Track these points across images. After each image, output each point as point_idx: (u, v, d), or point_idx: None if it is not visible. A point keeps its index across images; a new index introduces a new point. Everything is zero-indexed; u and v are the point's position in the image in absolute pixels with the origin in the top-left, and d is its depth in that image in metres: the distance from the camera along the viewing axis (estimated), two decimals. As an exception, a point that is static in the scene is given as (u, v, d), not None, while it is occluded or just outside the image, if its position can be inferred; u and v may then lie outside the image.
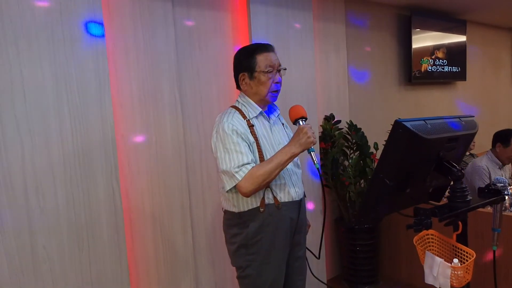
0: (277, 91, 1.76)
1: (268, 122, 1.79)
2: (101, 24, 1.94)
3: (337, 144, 3.12)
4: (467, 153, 4.12)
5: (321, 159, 3.10)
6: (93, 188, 1.93)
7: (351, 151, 3.23)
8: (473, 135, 1.44)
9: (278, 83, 1.74)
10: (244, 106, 1.76)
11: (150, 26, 2.20)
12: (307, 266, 1.93)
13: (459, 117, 1.41)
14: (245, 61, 1.73)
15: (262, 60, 1.71)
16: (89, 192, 1.92)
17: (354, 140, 3.20)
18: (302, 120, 1.70)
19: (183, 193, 2.34)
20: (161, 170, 2.26)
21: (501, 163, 3.27)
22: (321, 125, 3.17)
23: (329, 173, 3.10)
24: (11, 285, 1.72)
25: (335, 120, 3.21)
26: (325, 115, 3.23)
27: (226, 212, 1.80)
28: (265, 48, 1.74)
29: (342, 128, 3.22)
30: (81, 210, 1.90)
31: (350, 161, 3.16)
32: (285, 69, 1.80)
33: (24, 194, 1.74)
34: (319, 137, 3.11)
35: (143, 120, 2.20)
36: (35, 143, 1.77)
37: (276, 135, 1.79)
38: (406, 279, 3.11)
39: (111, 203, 1.99)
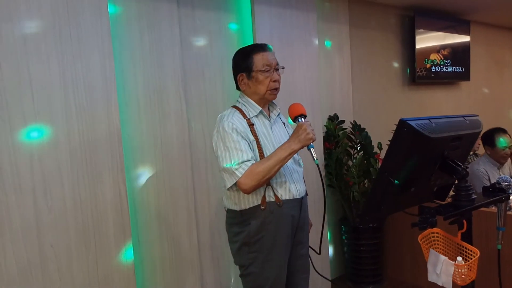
0: (276, 89, 1.78)
1: (269, 121, 1.81)
2: (107, 23, 1.96)
3: (341, 144, 3.13)
4: (471, 153, 4.11)
5: (325, 159, 3.11)
6: (99, 188, 1.95)
7: (355, 151, 3.24)
8: (478, 134, 1.45)
9: (276, 81, 1.77)
10: (244, 105, 1.79)
11: (156, 26, 2.21)
12: (311, 264, 1.93)
13: (463, 116, 1.41)
14: (243, 61, 1.76)
15: (259, 59, 1.74)
16: (96, 191, 1.94)
17: (358, 140, 3.21)
18: (301, 118, 1.72)
19: (188, 192, 2.35)
20: (166, 169, 2.27)
21: (498, 164, 3.26)
22: (325, 125, 3.18)
23: (333, 173, 3.10)
24: (19, 284, 1.73)
25: (339, 120, 3.22)
26: (329, 115, 3.24)
27: (228, 210, 1.82)
28: (262, 48, 1.77)
29: (346, 128, 3.23)
30: (88, 210, 1.92)
31: (354, 161, 3.16)
32: (283, 67, 1.82)
33: (32, 193, 1.76)
34: (323, 137, 3.12)
35: (148, 120, 2.21)
36: (43, 143, 1.79)
37: (276, 134, 1.81)
38: (410, 279, 3.11)
39: (118, 202, 2.01)
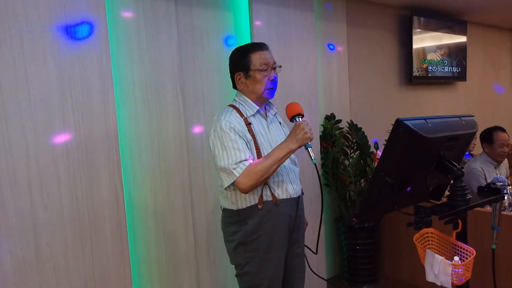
0: (273, 88, 1.78)
1: (266, 120, 1.82)
2: (105, 22, 1.95)
3: (337, 144, 3.13)
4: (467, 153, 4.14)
5: (321, 158, 3.11)
6: (96, 186, 1.95)
7: (352, 150, 3.25)
8: (473, 134, 1.45)
9: (274, 80, 1.77)
10: (242, 104, 1.79)
11: (153, 25, 2.21)
12: (306, 263, 1.94)
13: (459, 117, 1.42)
14: (240, 60, 1.76)
15: (256, 58, 1.74)
16: (92, 190, 1.94)
17: (354, 140, 3.22)
18: (299, 117, 1.72)
19: (185, 191, 2.35)
20: (163, 168, 2.27)
21: (495, 163, 3.29)
22: (321, 125, 3.19)
23: (330, 172, 3.11)
24: (15, 283, 1.73)
25: (336, 119, 3.23)
26: (326, 115, 3.25)
27: (224, 210, 1.82)
28: (259, 46, 1.78)
29: (343, 128, 3.24)
30: (85, 208, 1.92)
31: (350, 160, 3.17)
32: (280, 66, 1.82)
33: (29, 191, 1.76)
34: (320, 136, 3.13)
35: (145, 118, 2.21)
36: (39, 141, 1.78)
37: (273, 133, 1.81)
38: (406, 278, 3.12)
39: (114, 201, 2.01)
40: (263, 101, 1.82)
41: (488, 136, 3.27)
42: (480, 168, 3.21)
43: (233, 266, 1.82)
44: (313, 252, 1.87)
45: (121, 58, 2.13)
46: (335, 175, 3.12)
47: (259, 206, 1.70)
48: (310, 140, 1.66)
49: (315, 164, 1.66)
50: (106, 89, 1.97)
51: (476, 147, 3.99)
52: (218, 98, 2.55)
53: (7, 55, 1.70)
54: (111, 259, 2.00)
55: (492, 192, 1.42)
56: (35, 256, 1.78)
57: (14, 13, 1.71)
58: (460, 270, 1.24)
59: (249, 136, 1.70)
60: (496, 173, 3.31)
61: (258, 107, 1.78)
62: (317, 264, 3.03)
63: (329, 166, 3.10)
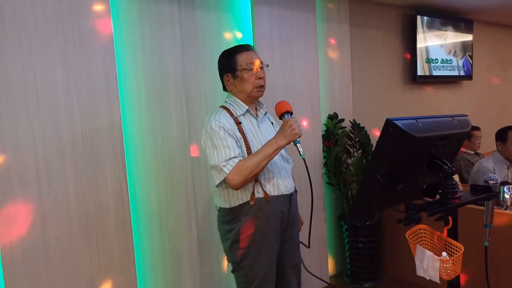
0: (262, 87, 1.83)
1: (256, 119, 1.86)
2: (109, 25, 2.02)
3: (340, 143, 3.17)
4: (473, 152, 4.13)
5: (324, 157, 3.15)
6: (101, 183, 2.02)
7: (354, 149, 3.28)
8: (466, 133, 1.48)
9: (262, 78, 1.82)
10: (232, 105, 1.84)
11: (157, 27, 2.27)
12: (302, 264, 1.97)
13: (452, 116, 1.46)
14: (227, 62, 1.83)
15: (242, 59, 1.80)
16: (98, 187, 2.01)
17: (357, 139, 3.25)
18: (287, 114, 1.76)
19: (188, 189, 2.41)
20: (166, 166, 2.33)
21: (508, 163, 3.27)
22: (324, 124, 3.22)
23: (332, 171, 3.15)
24: (24, 276, 1.80)
25: (339, 118, 3.26)
26: (329, 114, 3.28)
27: (219, 209, 1.87)
28: (244, 48, 1.84)
29: (346, 127, 3.27)
30: (90, 205, 1.99)
31: (352, 159, 3.20)
32: (267, 65, 1.87)
33: (37, 188, 1.83)
34: (322, 135, 3.16)
35: (149, 117, 2.27)
36: (47, 140, 1.86)
37: (263, 132, 1.86)
38: (408, 276, 3.15)
39: (119, 198, 2.07)
40: (253, 100, 1.87)
41: (503, 134, 3.26)
42: (492, 168, 3.20)
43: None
44: (306, 246, 1.90)
45: (125, 60, 2.19)
46: (337, 173, 3.15)
47: (251, 203, 1.74)
48: (299, 136, 1.69)
49: (304, 159, 1.69)
50: (111, 90, 2.03)
51: (485, 145, 3.98)
52: (221, 98, 2.59)
53: (16, 58, 1.77)
54: (116, 253, 2.07)
55: (484, 190, 1.45)
56: (43, 250, 1.85)
57: (22, 18, 1.78)
58: (448, 265, 1.28)
59: (239, 135, 1.74)
60: (508, 174, 3.29)
61: (247, 107, 1.83)
62: (320, 262, 3.08)
63: (332, 165, 3.13)
